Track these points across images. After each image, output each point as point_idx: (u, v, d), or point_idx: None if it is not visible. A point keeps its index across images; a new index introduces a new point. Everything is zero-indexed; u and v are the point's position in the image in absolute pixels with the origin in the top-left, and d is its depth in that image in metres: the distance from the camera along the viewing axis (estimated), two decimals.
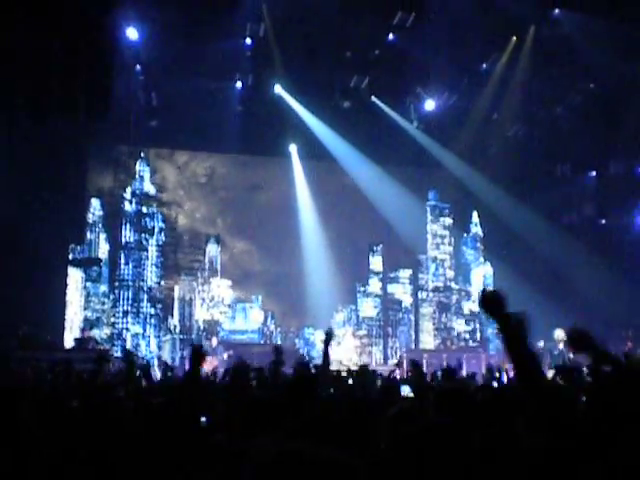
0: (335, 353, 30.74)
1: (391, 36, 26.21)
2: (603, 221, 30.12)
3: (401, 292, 34.24)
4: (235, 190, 34.21)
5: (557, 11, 24.87)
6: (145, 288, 30.33)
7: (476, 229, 34.39)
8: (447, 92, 28.78)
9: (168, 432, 4.48)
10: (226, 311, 32.11)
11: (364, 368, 12.59)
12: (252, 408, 4.27)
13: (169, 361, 27.77)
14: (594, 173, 30.43)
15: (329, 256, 34.47)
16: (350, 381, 11.54)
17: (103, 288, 30.47)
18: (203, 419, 5.46)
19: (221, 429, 4.86)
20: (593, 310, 26.13)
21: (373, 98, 29.39)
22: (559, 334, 26.76)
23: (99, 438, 4.71)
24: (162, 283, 31.33)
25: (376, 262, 34.23)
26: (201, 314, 31.84)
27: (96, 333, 29.21)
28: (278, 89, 28.96)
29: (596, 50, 24.11)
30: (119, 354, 27.61)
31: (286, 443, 2.20)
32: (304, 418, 4.58)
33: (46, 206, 23.18)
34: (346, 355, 31.30)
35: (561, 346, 26.12)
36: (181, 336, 31.06)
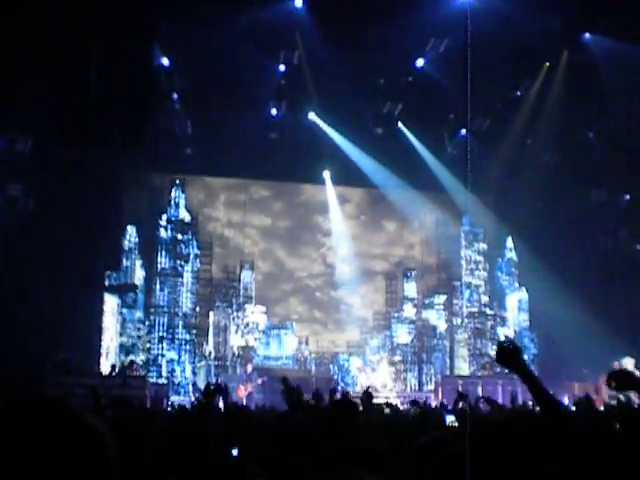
0: (370, 379, 30.68)
1: (422, 62, 26.34)
2: (638, 246, 29.89)
3: (435, 318, 34.03)
4: (269, 216, 34.41)
5: (587, 36, 24.88)
6: (180, 314, 30.46)
7: (511, 254, 34.17)
8: (480, 118, 28.85)
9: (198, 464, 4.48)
10: (260, 337, 32.14)
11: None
12: (288, 438, 4.26)
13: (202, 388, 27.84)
14: (628, 197, 30.24)
15: (363, 282, 34.52)
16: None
17: (139, 314, 30.62)
18: (234, 451, 5.35)
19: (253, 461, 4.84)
20: (630, 336, 25.91)
21: (400, 125, 29.56)
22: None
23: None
24: (197, 309, 31.44)
25: (410, 288, 34.09)
26: (236, 340, 31.87)
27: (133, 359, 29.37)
28: (312, 116, 29.19)
29: (625, 75, 24.11)
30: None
31: None
32: (343, 447, 4.56)
33: (82, 233, 23.45)
34: (381, 381, 31.18)
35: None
36: (216, 362, 31.10)
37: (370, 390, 10.57)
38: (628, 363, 26.41)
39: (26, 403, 1.61)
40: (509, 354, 3.50)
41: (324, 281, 34.61)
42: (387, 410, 11.72)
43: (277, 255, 34.31)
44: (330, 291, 34.57)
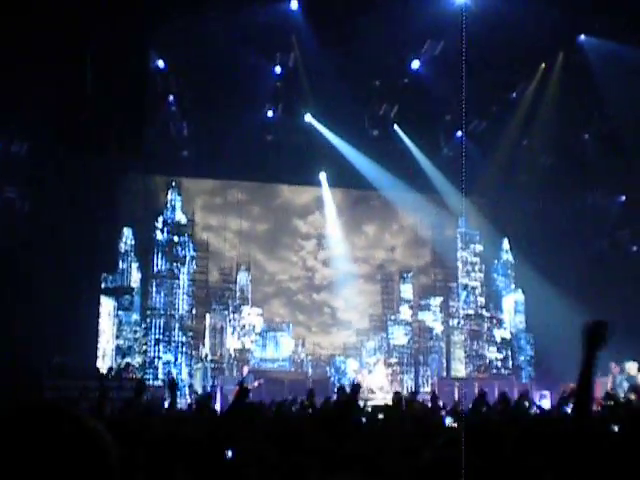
0: (367, 381, 30.67)
1: (418, 63, 26.38)
2: (635, 248, 29.90)
3: (432, 320, 34.04)
4: (265, 218, 34.38)
5: (583, 37, 24.94)
6: (176, 316, 30.39)
7: (507, 256, 34.15)
8: (476, 120, 28.87)
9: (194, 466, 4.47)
10: (257, 339, 32.12)
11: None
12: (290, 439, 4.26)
13: (199, 389, 27.87)
14: (624, 198, 30.25)
15: (359, 284, 34.53)
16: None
17: (135, 317, 30.57)
18: (229, 453, 5.31)
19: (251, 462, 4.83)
20: (625, 339, 25.89)
21: (395, 127, 29.60)
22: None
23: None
24: (193, 311, 31.37)
25: (406, 290, 34.09)
26: (232, 342, 31.84)
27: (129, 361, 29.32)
28: (308, 118, 29.21)
29: (621, 76, 24.13)
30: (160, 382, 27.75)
31: None
32: (345, 450, 4.55)
33: (78, 235, 23.40)
34: (378, 383, 31.16)
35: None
36: (212, 364, 31.04)
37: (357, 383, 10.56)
38: (632, 367, 26.37)
39: (32, 409, 1.61)
40: (599, 335, 3.53)
41: (320, 283, 34.61)
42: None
43: (258, 258, 34.14)
44: (327, 293, 34.57)
